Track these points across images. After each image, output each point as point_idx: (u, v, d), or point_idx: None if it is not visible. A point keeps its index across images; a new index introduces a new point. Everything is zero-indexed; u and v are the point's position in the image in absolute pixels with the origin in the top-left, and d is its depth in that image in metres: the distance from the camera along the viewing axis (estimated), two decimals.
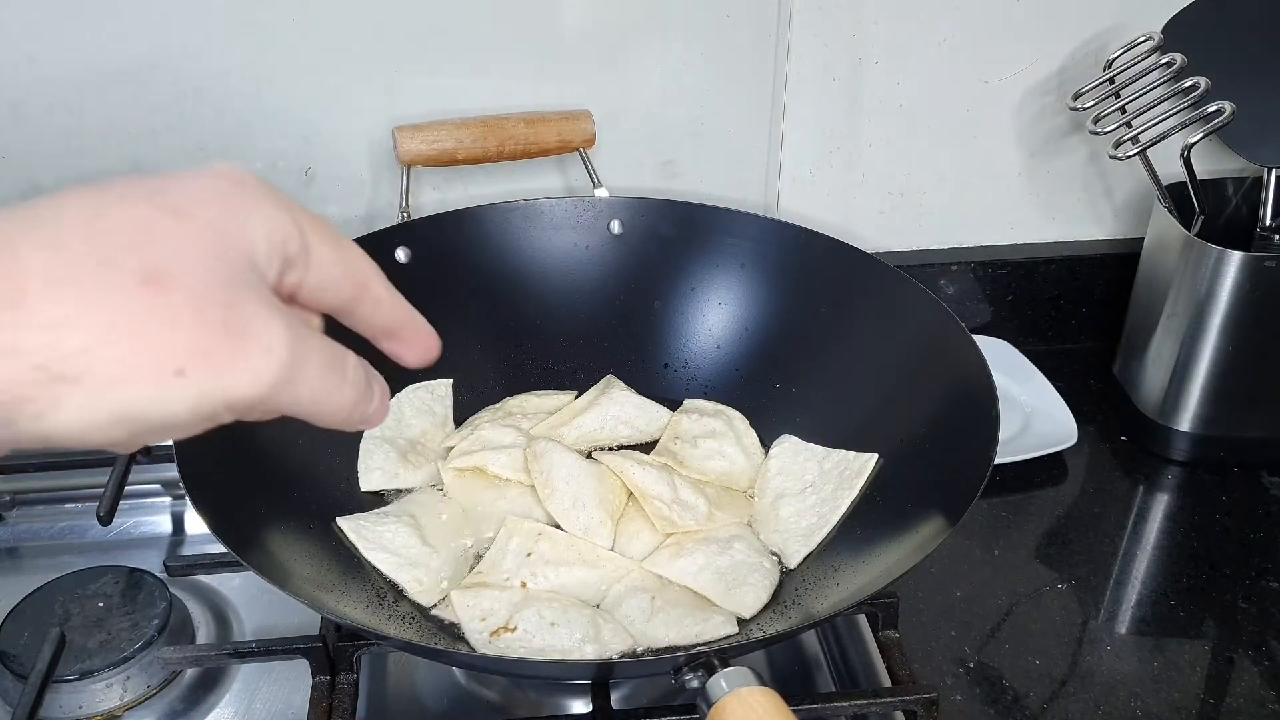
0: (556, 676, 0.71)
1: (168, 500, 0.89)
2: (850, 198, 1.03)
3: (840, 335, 0.83)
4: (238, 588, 0.81)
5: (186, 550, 0.85)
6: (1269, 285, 0.86)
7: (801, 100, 0.97)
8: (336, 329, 0.39)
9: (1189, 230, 0.90)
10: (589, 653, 0.65)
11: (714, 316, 0.88)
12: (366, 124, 0.93)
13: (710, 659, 0.54)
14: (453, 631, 0.68)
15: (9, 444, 0.33)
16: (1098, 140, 0.91)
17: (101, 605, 0.76)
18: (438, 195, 0.97)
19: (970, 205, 1.05)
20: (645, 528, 0.75)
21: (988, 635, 0.77)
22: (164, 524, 0.88)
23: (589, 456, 0.80)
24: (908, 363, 0.78)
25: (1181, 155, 0.87)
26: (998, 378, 0.70)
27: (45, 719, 0.69)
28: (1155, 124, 0.86)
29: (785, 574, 0.73)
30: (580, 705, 0.69)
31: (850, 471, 0.77)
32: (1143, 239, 0.97)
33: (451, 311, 0.85)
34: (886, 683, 0.69)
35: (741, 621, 0.69)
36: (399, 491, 0.78)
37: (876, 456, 0.76)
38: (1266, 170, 0.90)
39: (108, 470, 0.79)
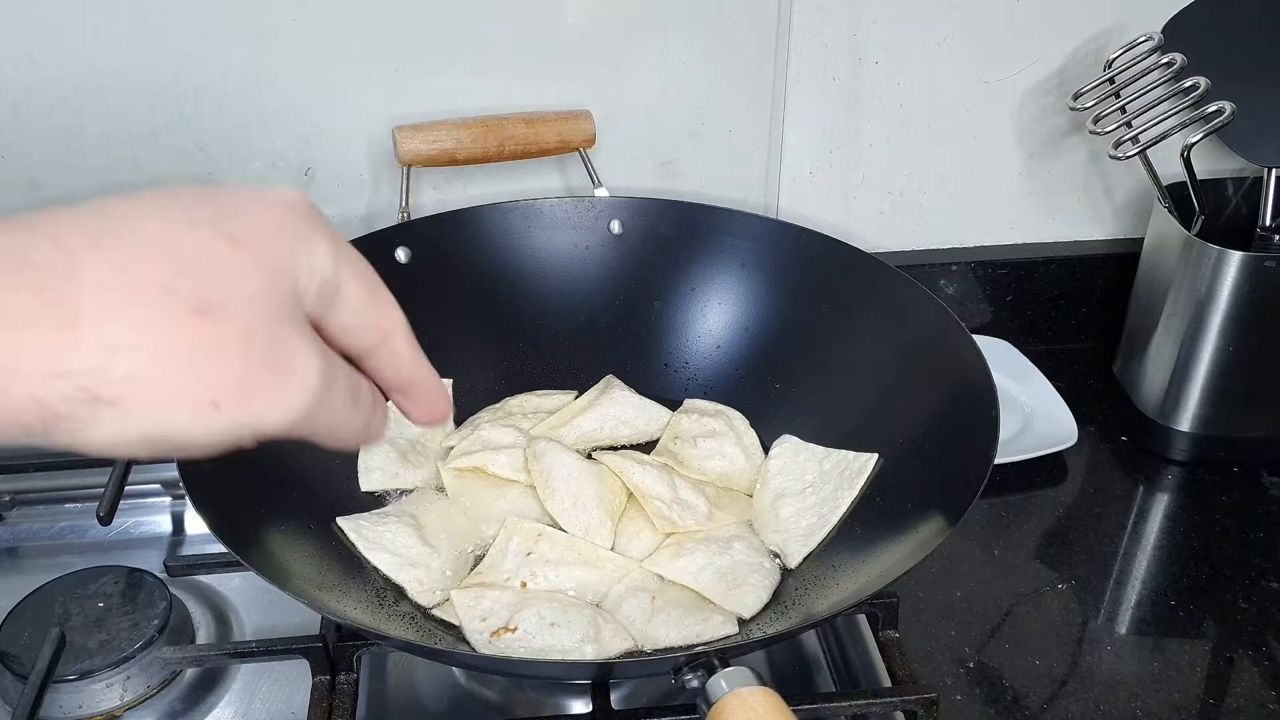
0: (556, 676, 0.71)
1: (168, 500, 0.89)
2: (850, 198, 1.03)
3: (840, 335, 0.83)
4: (238, 588, 0.81)
5: (186, 550, 0.85)
6: (1269, 285, 0.86)
7: (801, 100, 0.97)
8: None
9: (1189, 230, 0.90)
10: (589, 653, 0.65)
11: (714, 316, 0.88)
12: (366, 124, 0.93)
13: (710, 659, 0.54)
14: (453, 632, 0.68)
15: (33, 443, 0.33)
16: (1098, 140, 0.91)
17: (101, 605, 0.76)
18: (438, 195, 0.97)
19: (970, 205, 1.05)
20: (645, 528, 0.75)
21: (988, 635, 0.77)
22: (164, 524, 0.88)
23: (589, 456, 0.80)
24: (908, 363, 0.78)
25: (1181, 155, 0.87)
26: (998, 378, 0.70)
27: (45, 719, 0.69)
28: (1155, 124, 0.86)
29: (785, 574, 0.73)
30: (580, 705, 0.69)
31: (850, 471, 0.77)
32: (1143, 239, 0.97)
33: (451, 311, 0.86)
34: (886, 683, 0.69)
35: (741, 621, 0.69)
36: (399, 491, 0.78)
37: (876, 456, 0.76)
38: (1266, 170, 0.90)
39: (108, 470, 0.79)
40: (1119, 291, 1.02)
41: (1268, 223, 0.90)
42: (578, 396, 0.87)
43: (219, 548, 0.60)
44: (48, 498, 0.89)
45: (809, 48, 0.95)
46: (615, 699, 0.65)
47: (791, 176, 1.01)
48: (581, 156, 0.93)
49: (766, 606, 0.70)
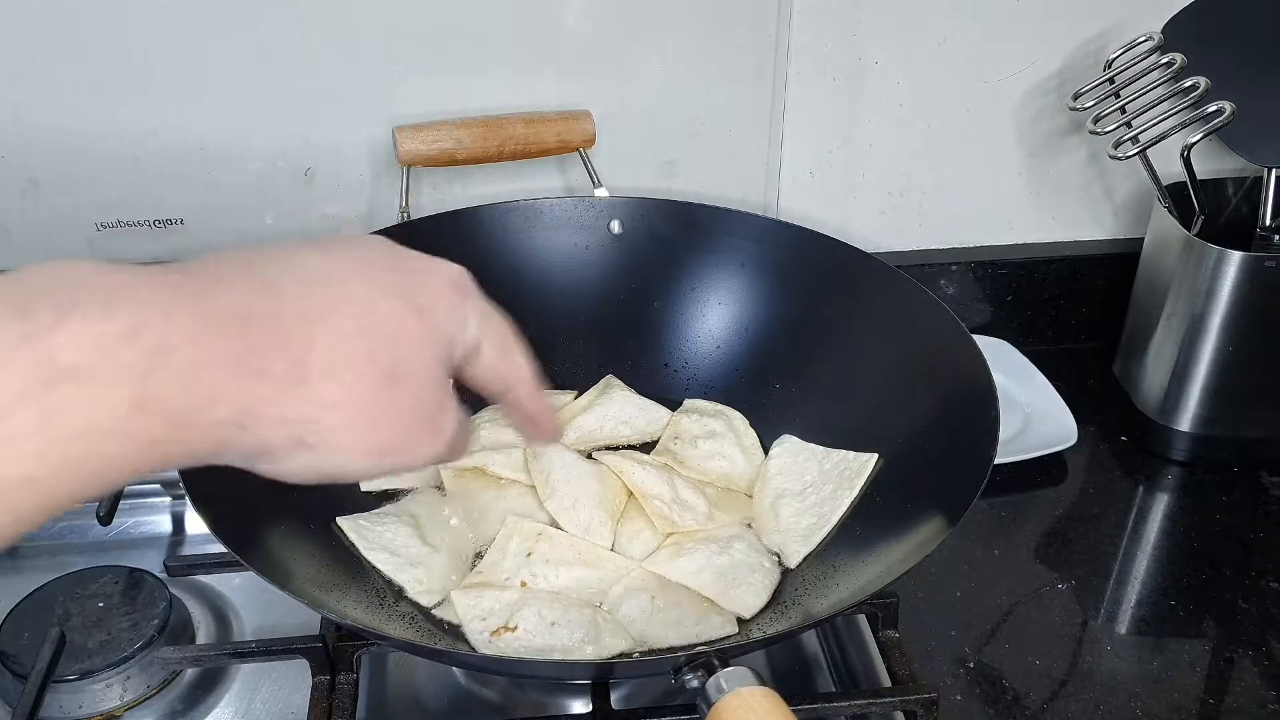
0: (556, 676, 0.71)
1: (168, 500, 0.89)
2: (850, 198, 1.03)
3: (840, 335, 0.83)
4: (238, 588, 0.81)
5: (186, 550, 0.85)
6: (1269, 285, 0.86)
7: (801, 100, 0.97)
8: None
9: (1189, 230, 0.90)
10: (589, 653, 0.65)
11: (714, 316, 0.88)
12: (366, 124, 0.93)
13: (710, 659, 0.54)
14: (453, 631, 0.68)
15: (217, 463, 0.38)
16: (1098, 140, 0.91)
17: (101, 605, 0.76)
18: (438, 195, 0.97)
19: (970, 205, 1.05)
20: (645, 528, 0.75)
21: (988, 635, 0.77)
22: (164, 524, 0.88)
23: (589, 456, 0.80)
24: (908, 363, 0.78)
25: (1181, 155, 0.87)
26: (998, 378, 0.70)
27: (45, 719, 0.69)
28: (1155, 124, 0.86)
29: (785, 574, 0.73)
30: (580, 705, 0.69)
31: (850, 471, 0.76)
32: (1143, 239, 0.97)
33: None
34: (886, 683, 0.69)
35: (741, 621, 0.69)
36: (399, 491, 0.78)
37: (876, 456, 0.76)
38: (1266, 170, 0.90)
39: None
40: (1119, 291, 1.02)
41: (1268, 223, 0.90)
42: (578, 396, 0.87)
43: (219, 548, 0.60)
44: None
45: (809, 47, 0.95)
46: (615, 699, 0.65)
47: (791, 176, 1.01)
48: (581, 156, 0.93)
49: (766, 606, 0.70)
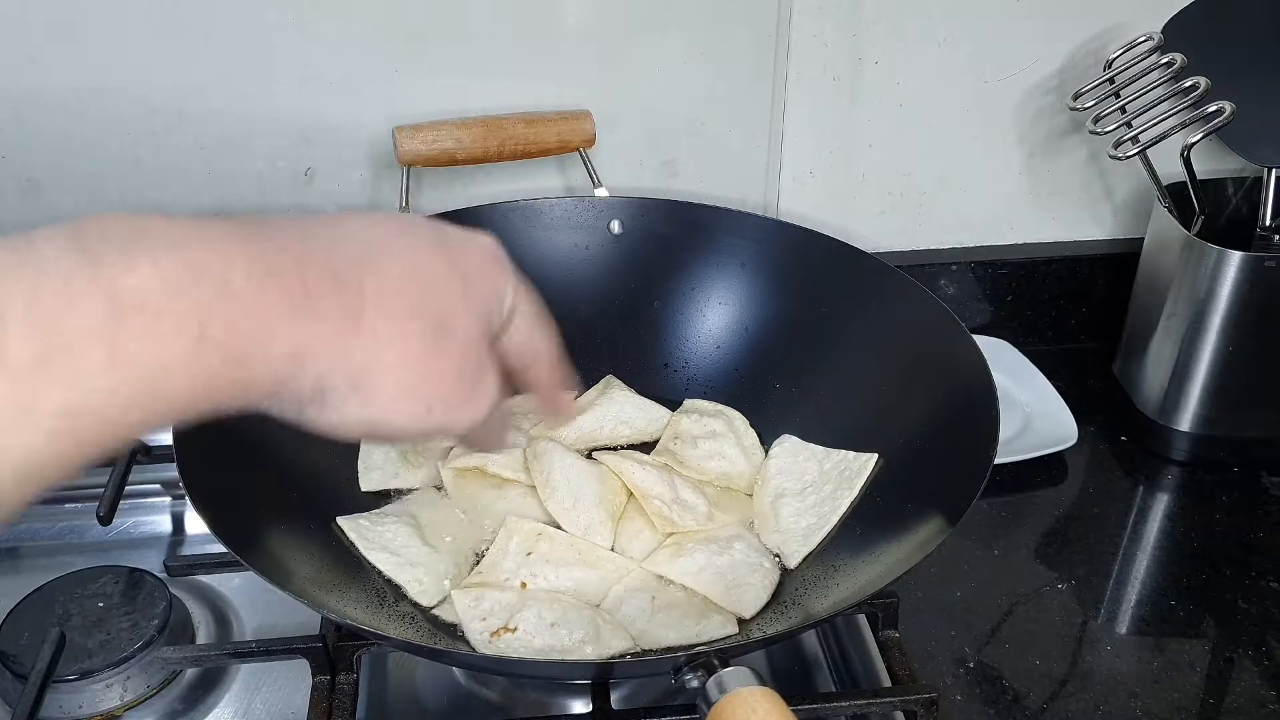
0: (556, 676, 0.71)
1: (168, 500, 0.89)
2: (850, 198, 1.03)
3: (840, 335, 0.83)
4: (238, 588, 0.81)
5: (186, 550, 0.86)
6: (1269, 285, 0.86)
7: (801, 100, 0.97)
8: None
9: (1189, 230, 0.90)
10: (589, 653, 0.65)
11: (714, 316, 0.88)
12: (366, 124, 0.93)
13: (710, 659, 0.54)
14: (453, 631, 0.68)
15: (271, 410, 0.40)
16: (1098, 140, 0.91)
17: (101, 605, 0.76)
18: (438, 195, 0.97)
19: (970, 205, 1.05)
20: (645, 528, 0.75)
21: (988, 635, 0.77)
22: (164, 524, 0.88)
23: (589, 456, 0.80)
24: (908, 363, 0.78)
25: (1181, 155, 0.87)
26: (998, 378, 0.70)
27: (45, 719, 0.69)
28: (1155, 124, 0.86)
29: (785, 574, 0.73)
30: (580, 705, 0.69)
31: (850, 471, 0.76)
32: (1143, 239, 0.97)
33: None
34: (886, 683, 0.69)
35: (741, 621, 0.69)
36: (399, 491, 0.78)
37: (876, 456, 0.76)
38: (1266, 170, 0.90)
39: (108, 470, 0.79)
40: (1119, 291, 1.02)
41: (1268, 223, 0.90)
42: (578, 397, 0.87)
43: (219, 548, 0.60)
44: (48, 497, 0.88)
45: (809, 47, 0.95)
46: (615, 699, 0.65)
47: (791, 176, 1.01)
48: (581, 156, 0.93)
49: (766, 606, 0.70)
